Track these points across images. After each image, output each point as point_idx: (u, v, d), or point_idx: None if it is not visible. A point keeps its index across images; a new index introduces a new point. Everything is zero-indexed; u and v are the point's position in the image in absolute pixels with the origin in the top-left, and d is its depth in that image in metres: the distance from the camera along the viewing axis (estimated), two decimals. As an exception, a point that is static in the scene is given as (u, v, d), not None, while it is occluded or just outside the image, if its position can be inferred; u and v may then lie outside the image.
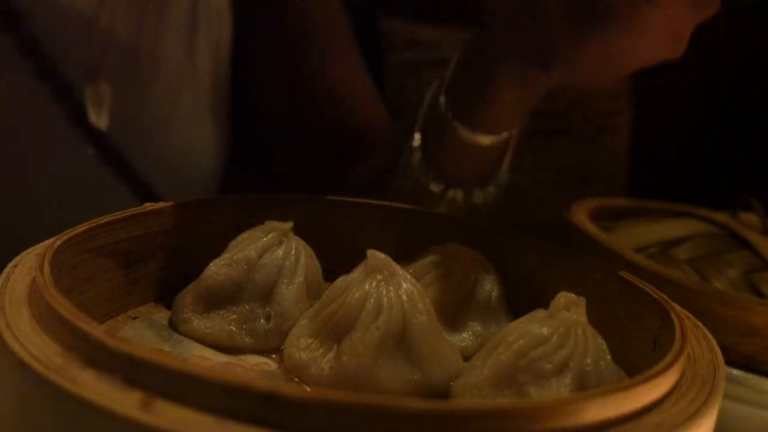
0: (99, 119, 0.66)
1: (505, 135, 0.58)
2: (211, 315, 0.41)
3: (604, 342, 0.36)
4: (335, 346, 0.37)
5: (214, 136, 0.75)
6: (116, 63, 0.67)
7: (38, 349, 0.29)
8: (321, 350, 0.37)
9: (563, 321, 0.35)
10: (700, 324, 0.39)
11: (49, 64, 0.63)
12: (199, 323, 0.40)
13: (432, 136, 0.60)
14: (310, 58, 0.75)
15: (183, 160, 0.73)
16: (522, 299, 0.45)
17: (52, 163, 0.66)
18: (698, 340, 0.37)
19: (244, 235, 0.43)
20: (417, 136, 0.60)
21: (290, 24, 0.75)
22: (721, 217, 0.64)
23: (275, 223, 0.43)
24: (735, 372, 0.49)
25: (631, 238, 0.60)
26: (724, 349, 0.37)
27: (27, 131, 0.65)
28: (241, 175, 0.84)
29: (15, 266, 0.36)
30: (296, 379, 0.37)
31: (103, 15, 0.65)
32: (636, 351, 0.39)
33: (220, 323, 0.40)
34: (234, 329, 0.40)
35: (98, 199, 0.67)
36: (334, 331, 0.37)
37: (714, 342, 0.37)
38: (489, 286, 0.44)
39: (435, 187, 0.61)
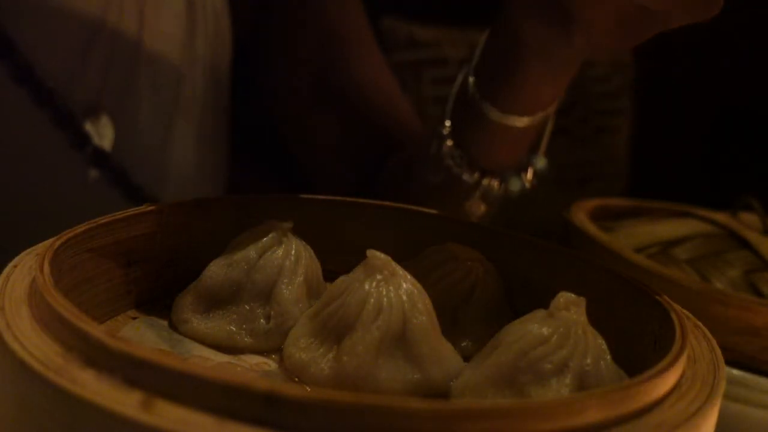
0: (102, 143, 0.65)
1: (538, 116, 0.55)
2: (211, 315, 0.41)
3: (604, 342, 0.36)
4: (335, 346, 0.37)
5: (212, 147, 0.75)
6: (115, 86, 0.66)
7: (38, 349, 0.29)
8: (321, 350, 0.37)
9: (563, 321, 0.35)
10: (700, 324, 0.39)
11: (47, 91, 0.62)
12: (199, 323, 0.40)
13: (463, 121, 0.57)
14: (336, 56, 0.74)
15: (186, 177, 0.72)
16: (522, 299, 0.45)
17: (58, 187, 0.65)
18: (698, 340, 0.37)
19: (244, 235, 0.43)
20: (447, 123, 0.58)
21: (312, 24, 0.74)
22: (721, 217, 0.64)
23: (275, 223, 0.43)
24: (735, 372, 0.49)
25: (631, 238, 0.60)
26: (725, 349, 0.37)
27: (28, 156, 0.64)
28: (256, 182, 0.83)
29: (15, 266, 0.36)
30: (296, 379, 0.37)
31: (101, 36, 0.64)
32: (636, 351, 0.39)
33: (220, 323, 0.40)
34: (234, 329, 0.40)
35: None
36: (334, 331, 0.37)
37: (714, 342, 0.37)
38: (489, 286, 0.44)
39: (469, 177, 0.58)
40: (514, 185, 0.59)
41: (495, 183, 0.59)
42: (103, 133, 0.65)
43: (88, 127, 0.64)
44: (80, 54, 0.64)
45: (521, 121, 0.55)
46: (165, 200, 0.69)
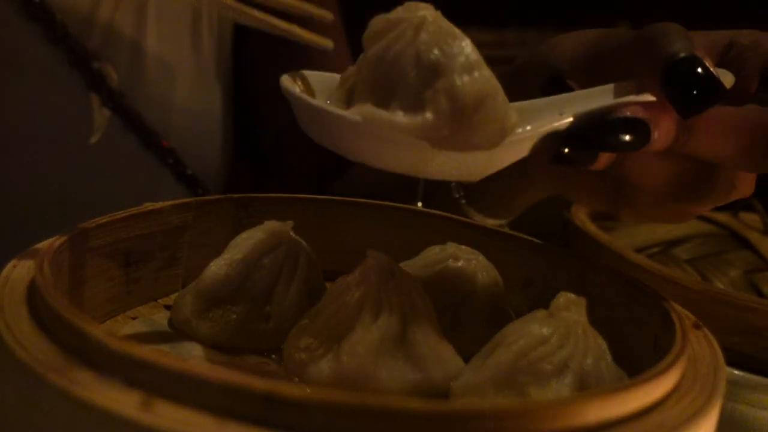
0: (113, 84, 0.66)
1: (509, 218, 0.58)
2: (211, 315, 0.41)
3: (604, 342, 0.36)
4: (335, 346, 0.37)
5: (217, 99, 0.75)
6: (124, 32, 0.67)
7: (38, 349, 0.29)
8: (321, 350, 0.37)
9: (563, 321, 0.35)
10: (700, 324, 0.39)
11: (62, 27, 0.63)
12: (199, 323, 0.40)
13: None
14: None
15: (191, 124, 0.72)
16: (522, 299, 0.45)
17: (73, 132, 0.66)
18: (699, 341, 0.37)
19: (244, 235, 0.43)
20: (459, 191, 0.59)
21: None
22: (721, 217, 0.64)
23: (275, 223, 0.43)
24: (736, 372, 0.49)
25: (631, 238, 0.60)
26: (725, 350, 0.37)
27: (43, 100, 0.65)
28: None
29: (15, 266, 0.36)
30: (296, 379, 0.37)
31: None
32: (636, 351, 0.39)
33: (220, 323, 0.40)
34: (234, 329, 0.40)
35: (147, 190, 0.69)
36: (334, 331, 0.37)
37: (715, 342, 0.37)
38: (489, 286, 0.44)
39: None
40: None
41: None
42: (112, 76, 0.66)
43: (101, 66, 0.65)
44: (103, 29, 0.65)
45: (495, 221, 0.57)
46: (171, 139, 0.69)
